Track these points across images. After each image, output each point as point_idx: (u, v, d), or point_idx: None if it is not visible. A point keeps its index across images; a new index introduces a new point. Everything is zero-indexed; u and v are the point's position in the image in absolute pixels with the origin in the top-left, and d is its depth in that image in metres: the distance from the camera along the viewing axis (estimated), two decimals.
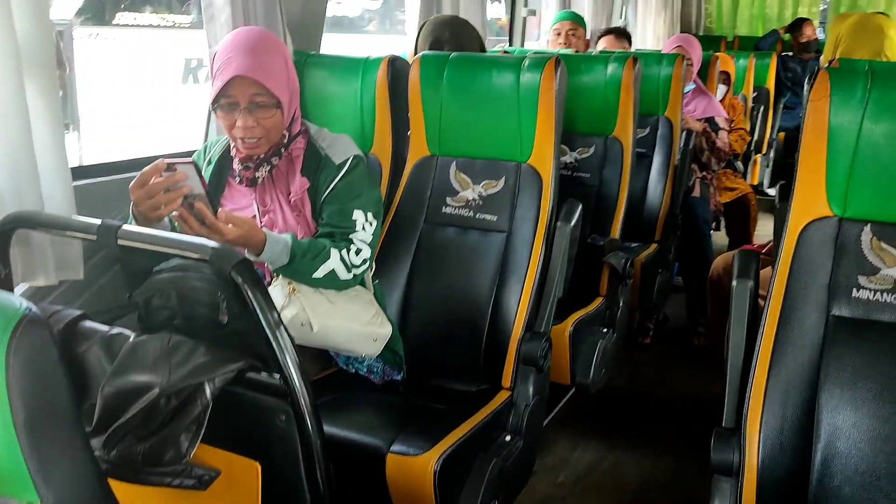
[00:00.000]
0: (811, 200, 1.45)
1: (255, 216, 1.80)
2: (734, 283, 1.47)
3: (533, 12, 4.13)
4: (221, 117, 1.71)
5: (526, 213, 1.93)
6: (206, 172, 1.84)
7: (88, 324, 1.35)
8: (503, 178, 1.98)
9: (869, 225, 1.42)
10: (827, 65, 2.29)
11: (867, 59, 2.16)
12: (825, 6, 7.34)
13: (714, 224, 4.04)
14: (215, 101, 1.69)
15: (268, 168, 1.77)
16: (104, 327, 1.32)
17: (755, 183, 5.64)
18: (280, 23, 2.12)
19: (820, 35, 6.92)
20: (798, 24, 6.28)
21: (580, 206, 1.93)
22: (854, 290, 1.40)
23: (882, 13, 6.17)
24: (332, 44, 2.55)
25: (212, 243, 1.21)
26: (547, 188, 1.92)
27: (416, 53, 2.48)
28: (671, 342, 3.42)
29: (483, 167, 2.01)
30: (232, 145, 1.79)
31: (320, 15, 2.37)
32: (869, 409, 1.34)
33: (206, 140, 2.20)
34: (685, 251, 3.27)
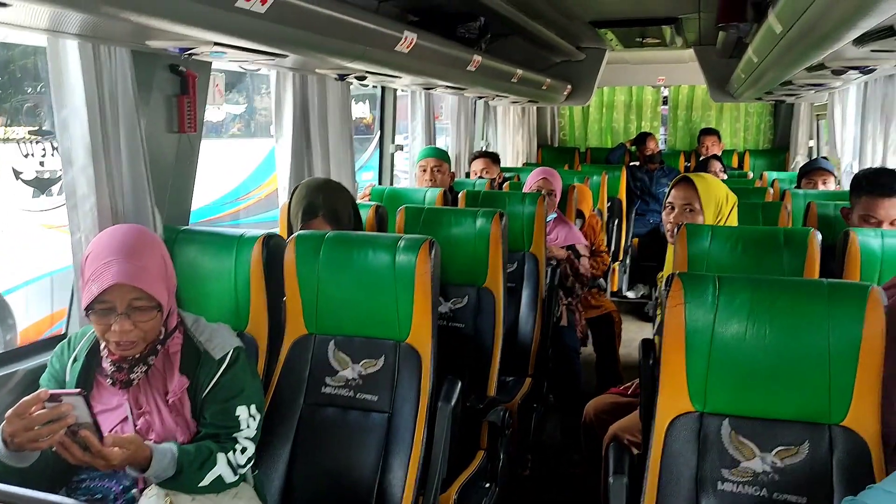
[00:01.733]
0: (675, 396, 1.55)
1: (126, 418, 1.72)
2: (610, 479, 1.54)
3: (400, 147, 4.26)
4: (95, 322, 1.64)
5: (406, 393, 1.94)
6: (73, 370, 1.75)
7: None
8: (382, 357, 1.99)
9: (727, 419, 1.53)
10: (675, 226, 2.50)
11: (710, 225, 2.35)
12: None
13: (581, 340, 4.20)
14: (89, 306, 1.62)
15: (144, 368, 1.70)
16: None
17: (615, 290, 5.95)
18: (148, 200, 2.07)
19: (662, 146, 7.53)
20: (642, 139, 6.81)
21: (459, 384, 1.97)
22: (719, 482, 1.50)
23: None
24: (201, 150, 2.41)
25: None
26: (426, 367, 1.95)
27: (288, 215, 2.49)
28: (549, 466, 3.47)
29: (362, 346, 2.02)
30: (102, 345, 1.71)
31: (189, 187, 2.34)
32: None
33: (67, 330, 2.10)
34: (557, 381, 3.39)
